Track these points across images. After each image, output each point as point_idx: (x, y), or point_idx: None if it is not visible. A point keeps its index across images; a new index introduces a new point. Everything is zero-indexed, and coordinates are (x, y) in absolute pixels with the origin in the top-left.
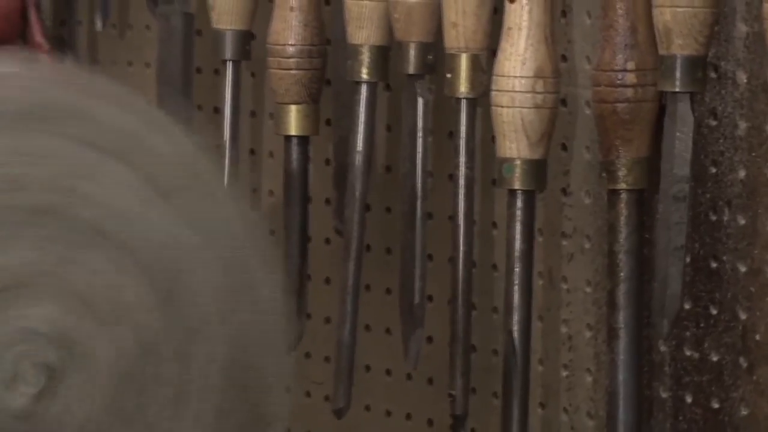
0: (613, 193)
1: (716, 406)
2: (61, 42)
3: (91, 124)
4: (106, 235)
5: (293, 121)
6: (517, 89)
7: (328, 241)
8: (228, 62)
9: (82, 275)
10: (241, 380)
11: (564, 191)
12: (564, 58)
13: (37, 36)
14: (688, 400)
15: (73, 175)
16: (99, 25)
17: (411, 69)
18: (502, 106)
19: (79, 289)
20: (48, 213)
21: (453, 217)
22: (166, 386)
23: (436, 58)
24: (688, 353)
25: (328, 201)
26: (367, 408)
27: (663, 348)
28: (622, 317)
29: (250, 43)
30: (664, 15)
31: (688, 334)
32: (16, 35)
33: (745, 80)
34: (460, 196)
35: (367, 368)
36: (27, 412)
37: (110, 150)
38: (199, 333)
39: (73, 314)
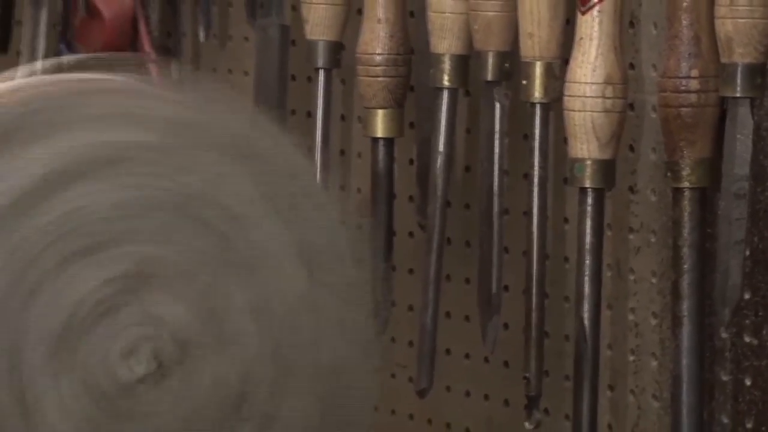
0: (677, 191)
1: None
2: (167, 51)
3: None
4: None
5: (380, 124)
6: (588, 95)
7: (411, 234)
8: (320, 70)
9: (218, 291)
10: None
11: (631, 189)
12: (632, 65)
13: (146, 46)
14: (748, 383)
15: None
16: (202, 36)
17: (489, 76)
18: (574, 110)
19: (212, 303)
20: (200, 222)
21: (527, 213)
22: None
23: (512, 66)
24: (747, 339)
25: (411, 198)
26: (448, 389)
27: (724, 335)
28: (685, 306)
29: (341, 52)
30: (725, 26)
31: (747, 321)
32: (127, 45)
33: None
34: (534, 194)
35: (448, 352)
36: (128, 388)
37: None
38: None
39: (198, 322)
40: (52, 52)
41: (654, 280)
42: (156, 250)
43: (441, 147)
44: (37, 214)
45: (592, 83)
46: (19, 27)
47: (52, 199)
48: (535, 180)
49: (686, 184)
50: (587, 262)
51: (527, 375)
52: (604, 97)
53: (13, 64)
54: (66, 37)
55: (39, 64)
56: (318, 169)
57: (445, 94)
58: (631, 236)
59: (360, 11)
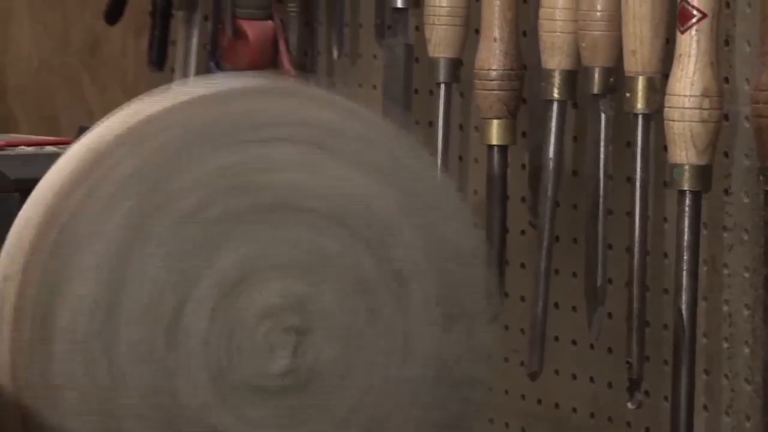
0: None
1: None
2: (304, 68)
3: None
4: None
5: (495, 133)
6: (686, 106)
7: (523, 232)
8: (441, 84)
9: (287, 249)
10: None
11: (726, 191)
12: (726, 80)
13: (286, 63)
14: None
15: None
16: (335, 54)
17: (595, 89)
18: (673, 120)
19: (295, 259)
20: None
21: (630, 213)
22: (386, 319)
23: (616, 80)
24: None
25: (523, 199)
26: (556, 372)
27: None
28: None
29: (460, 68)
30: None
31: None
32: (269, 63)
33: None
34: (636, 196)
35: (556, 339)
36: (287, 369)
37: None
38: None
39: (297, 280)
40: (202, 69)
41: (746, 275)
42: (241, 253)
43: (551, 154)
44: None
45: (691, 96)
46: (173, 47)
47: None
48: (638, 183)
49: None
50: (685, 257)
51: (629, 360)
52: (701, 108)
53: (168, 79)
54: (215, 56)
55: (191, 80)
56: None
57: (555, 106)
58: (725, 234)
59: (477, 31)
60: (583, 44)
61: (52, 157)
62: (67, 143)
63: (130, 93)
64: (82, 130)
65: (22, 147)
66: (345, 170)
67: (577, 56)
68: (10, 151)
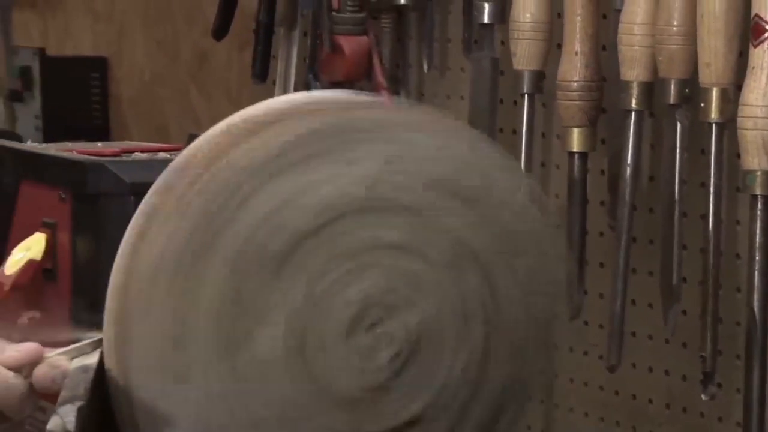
0: None
1: None
2: (396, 81)
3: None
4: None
5: (576, 140)
6: (759, 116)
7: (602, 234)
8: (525, 95)
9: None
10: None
11: None
12: None
13: (379, 76)
14: None
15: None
16: (426, 67)
17: (671, 100)
18: (746, 129)
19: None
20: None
21: (704, 216)
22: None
23: (691, 91)
24: None
25: (602, 203)
26: (633, 365)
27: None
28: None
29: (543, 80)
30: None
31: None
32: (364, 75)
33: None
34: (710, 200)
35: (633, 334)
36: (393, 355)
37: None
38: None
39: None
40: (301, 82)
41: None
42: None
43: (629, 160)
44: None
45: (763, 106)
46: (275, 60)
47: None
48: (711, 188)
49: None
50: (757, 258)
51: (703, 354)
52: None
53: (270, 91)
54: (313, 69)
55: (290, 92)
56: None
57: (633, 116)
58: None
59: (559, 45)
60: (660, 57)
61: (165, 163)
62: (178, 149)
63: (234, 103)
64: (191, 138)
65: (137, 153)
66: None
67: (654, 68)
68: (126, 157)
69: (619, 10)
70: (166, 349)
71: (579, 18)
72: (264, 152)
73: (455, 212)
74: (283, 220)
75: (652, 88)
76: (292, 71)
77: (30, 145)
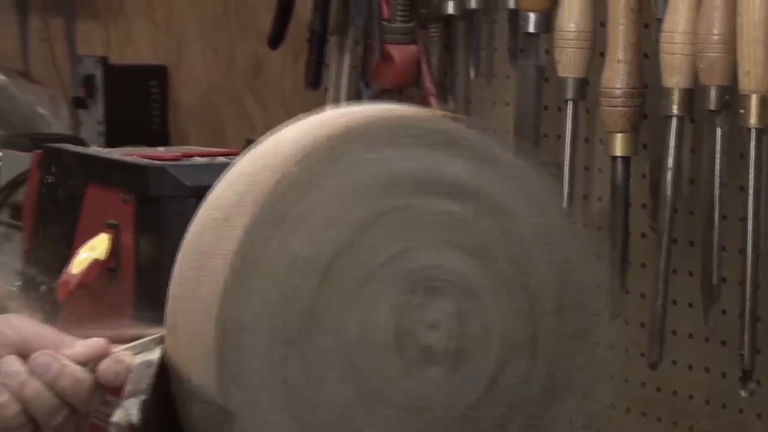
0: None
1: None
2: (444, 88)
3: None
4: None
5: (618, 145)
6: None
7: (643, 235)
8: (569, 101)
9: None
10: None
11: None
12: None
13: (428, 83)
14: None
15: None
16: (472, 74)
17: (712, 106)
18: None
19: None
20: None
21: (743, 219)
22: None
23: (731, 98)
24: None
25: (644, 205)
26: (674, 363)
27: None
28: None
29: (586, 87)
30: None
31: None
32: (413, 82)
33: None
34: (749, 203)
35: (674, 332)
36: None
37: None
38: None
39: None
40: (353, 89)
41: None
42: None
43: (670, 164)
44: None
45: None
46: (327, 69)
47: None
48: (751, 191)
49: None
50: None
51: (742, 352)
52: None
53: (322, 98)
54: (364, 77)
55: (342, 99)
56: (565, 182)
57: (674, 121)
58: None
59: (602, 54)
60: (701, 65)
61: (223, 166)
62: (235, 154)
63: (288, 110)
64: (248, 143)
65: (197, 157)
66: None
67: (695, 76)
68: (186, 161)
69: (661, 20)
70: (223, 345)
71: (622, 27)
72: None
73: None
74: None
75: (692, 95)
76: (344, 79)
77: (95, 150)
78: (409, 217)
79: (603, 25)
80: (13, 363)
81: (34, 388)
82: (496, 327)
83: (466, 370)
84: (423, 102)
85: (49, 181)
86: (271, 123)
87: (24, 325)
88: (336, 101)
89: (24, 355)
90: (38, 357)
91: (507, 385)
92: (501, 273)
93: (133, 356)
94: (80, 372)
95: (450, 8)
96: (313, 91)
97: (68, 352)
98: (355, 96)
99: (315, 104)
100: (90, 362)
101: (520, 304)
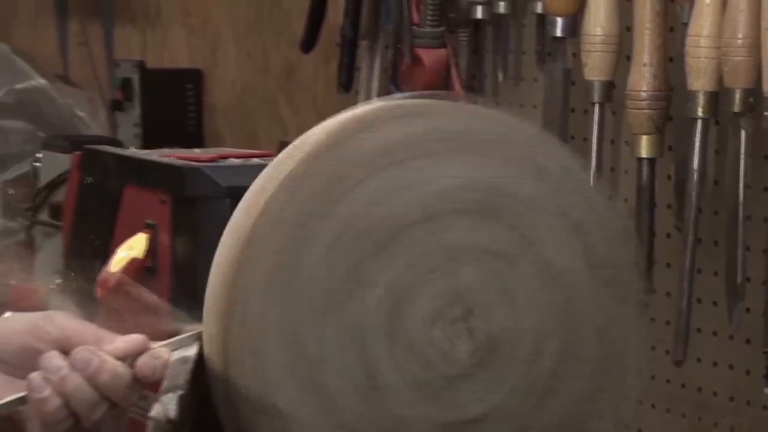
0: None
1: None
2: (473, 90)
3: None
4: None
5: (644, 147)
6: None
7: (669, 235)
8: (595, 104)
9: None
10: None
11: None
12: None
13: (457, 85)
14: None
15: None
16: (501, 77)
17: (736, 108)
18: None
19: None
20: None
21: (767, 219)
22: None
23: (755, 101)
24: None
25: (669, 206)
26: (698, 360)
27: None
28: None
29: (612, 90)
30: None
31: None
32: (442, 85)
33: None
34: None
35: (699, 330)
36: (472, 350)
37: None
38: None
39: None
40: (383, 91)
41: None
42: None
43: (695, 165)
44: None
45: None
46: (358, 72)
47: None
48: None
49: None
50: None
51: (766, 350)
52: None
53: (353, 100)
54: (395, 80)
55: (373, 101)
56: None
57: (699, 123)
58: None
59: (628, 57)
60: (726, 68)
61: (258, 168)
62: (269, 155)
63: (320, 113)
64: (282, 145)
65: (232, 159)
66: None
67: (720, 79)
68: (221, 163)
69: (686, 24)
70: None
71: (648, 31)
72: (384, 143)
73: (552, 229)
74: (391, 207)
75: (717, 98)
76: (375, 82)
77: (133, 152)
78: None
79: (629, 29)
80: (55, 358)
81: (75, 382)
82: (528, 329)
83: (496, 367)
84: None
85: (88, 181)
86: (304, 125)
87: (65, 321)
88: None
89: (65, 350)
90: (79, 352)
91: (529, 395)
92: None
93: (171, 352)
94: (120, 367)
95: (479, 13)
96: (345, 94)
97: (108, 347)
98: (386, 99)
99: (346, 107)
100: (128, 358)
101: (556, 300)
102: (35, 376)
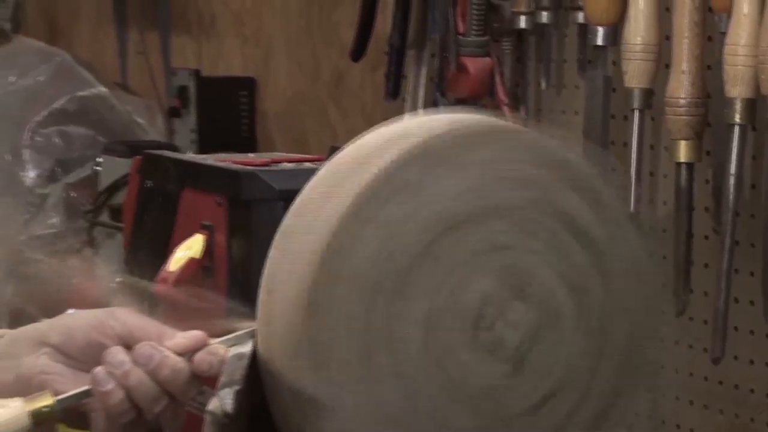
0: None
1: None
2: (516, 97)
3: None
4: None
5: (682, 152)
6: None
7: (707, 237)
8: (635, 111)
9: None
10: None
11: None
12: None
13: (501, 93)
14: None
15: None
16: (543, 85)
17: None
18: None
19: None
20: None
21: None
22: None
23: None
24: None
25: (707, 209)
26: (736, 358)
27: None
28: None
29: (652, 97)
30: None
31: None
32: (487, 93)
33: None
34: None
35: (736, 329)
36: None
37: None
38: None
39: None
40: (429, 99)
41: None
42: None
43: (732, 170)
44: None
45: None
46: (405, 80)
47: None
48: None
49: None
50: None
51: None
52: None
53: (400, 107)
54: (440, 88)
55: (419, 108)
56: (632, 187)
57: (737, 129)
58: None
59: (667, 65)
60: (763, 76)
61: (309, 172)
62: (321, 160)
63: (368, 119)
64: (333, 150)
65: (284, 163)
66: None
67: (757, 86)
68: (275, 167)
69: (724, 33)
70: (309, 338)
71: (686, 40)
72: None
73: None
74: (395, 241)
75: (754, 104)
76: (421, 89)
77: (190, 156)
78: (525, 221)
79: (668, 38)
80: (119, 353)
81: (137, 376)
82: (562, 358)
83: (522, 381)
84: (496, 111)
85: (148, 185)
86: (352, 131)
87: (128, 317)
88: (413, 111)
89: (128, 345)
90: (141, 348)
91: (585, 359)
92: (588, 308)
93: (227, 348)
94: (180, 363)
95: (522, 23)
96: (392, 100)
97: (168, 343)
98: (432, 106)
99: (393, 113)
100: (187, 353)
101: (591, 332)
102: (100, 370)
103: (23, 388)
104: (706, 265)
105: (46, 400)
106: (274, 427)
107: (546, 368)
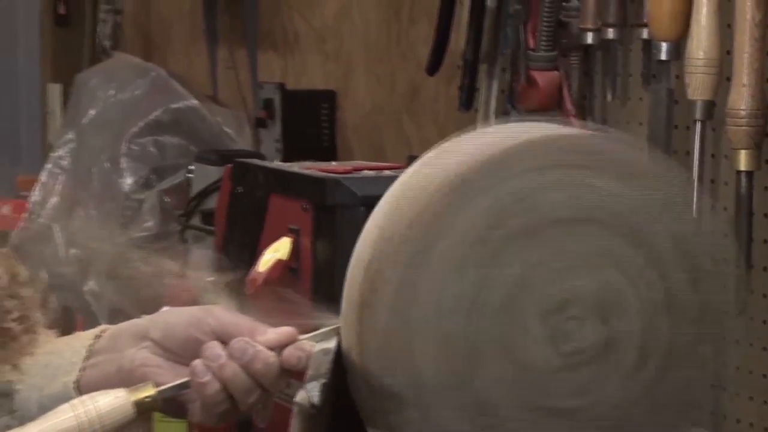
0: None
1: None
2: (583, 109)
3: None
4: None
5: (743, 161)
6: None
7: (765, 241)
8: (697, 122)
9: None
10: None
11: None
12: None
13: (568, 105)
14: None
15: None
16: (609, 97)
17: None
18: None
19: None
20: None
21: None
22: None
23: None
24: None
25: (766, 215)
26: None
27: None
28: None
29: (713, 108)
30: None
31: None
32: (555, 105)
33: None
34: None
35: None
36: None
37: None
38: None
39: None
40: (500, 110)
41: None
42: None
43: None
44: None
45: None
46: (477, 92)
47: None
48: None
49: None
50: None
51: None
52: None
53: (473, 118)
54: (511, 100)
55: (491, 119)
56: (695, 194)
57: None
58: None
59: (728, 79)
60: None
61: (389, 179)
62: (400, 168)
63: (441, 130)
64: (411, 159)
65: (366, 171)
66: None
67: None
68: (357, 174)
69: None
70: (397, 333)
71: (747, 55)
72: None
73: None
74: (537, 204)
75: None
76: (493, 101)
77: (277, 164)
78: (643, 255)
79: (729, 53)
80: (215, 348)
81: (232, 369)
82: (602, 390)
83: (561, 385)
84: (564, 122)
85: (238, 191)
86: (427, 141)
87: (223, 314)
88: (485, 122)
89: (223, 340)
90: (236, 342)
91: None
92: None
93: (314, 344)
94: (272, 357)
95: (589, 38)
96: (465, 112)
97: (260, 338)
98: (503, 117)
99: (466, 124)
100: (277, 348)
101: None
102: (197, 363)
103: (124, 379)
104: (764, 269)
105: (148, 391)
106: (357, 418)
107: (583, 388)
